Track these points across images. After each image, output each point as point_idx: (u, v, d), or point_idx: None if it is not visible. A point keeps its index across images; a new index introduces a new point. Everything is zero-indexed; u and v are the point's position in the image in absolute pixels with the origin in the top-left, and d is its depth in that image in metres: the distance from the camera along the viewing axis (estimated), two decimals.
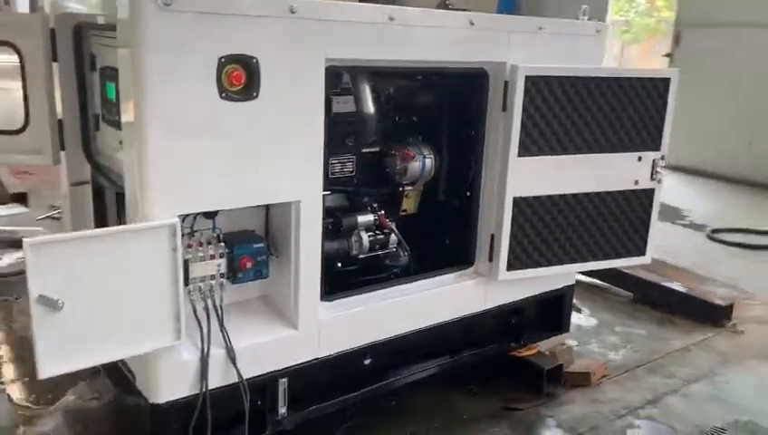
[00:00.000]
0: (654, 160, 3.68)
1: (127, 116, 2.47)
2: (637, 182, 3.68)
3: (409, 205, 3.59)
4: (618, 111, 3.53)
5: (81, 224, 3.29)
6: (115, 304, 2.36)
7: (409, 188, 3.53)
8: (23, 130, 3.14)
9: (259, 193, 2.68)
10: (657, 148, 3.68)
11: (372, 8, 2.79)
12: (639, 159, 3.65)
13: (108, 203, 3.32)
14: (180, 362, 2.60)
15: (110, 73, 2.87)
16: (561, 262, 3.62)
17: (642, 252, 3.84)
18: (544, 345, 3.96)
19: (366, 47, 2.81)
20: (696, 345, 4.47)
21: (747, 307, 5.05)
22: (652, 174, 3.70)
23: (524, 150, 3.32)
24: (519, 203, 3.39)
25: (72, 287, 2.24)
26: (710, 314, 4.81)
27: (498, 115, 3.32)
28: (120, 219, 3.32)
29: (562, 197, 3.49)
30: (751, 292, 5.34)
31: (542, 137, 3.34)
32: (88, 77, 3.10)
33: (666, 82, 3.61)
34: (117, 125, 2.86)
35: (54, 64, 3.08)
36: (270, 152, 2.64)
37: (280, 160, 2.68)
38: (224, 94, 2.47)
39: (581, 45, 3.57)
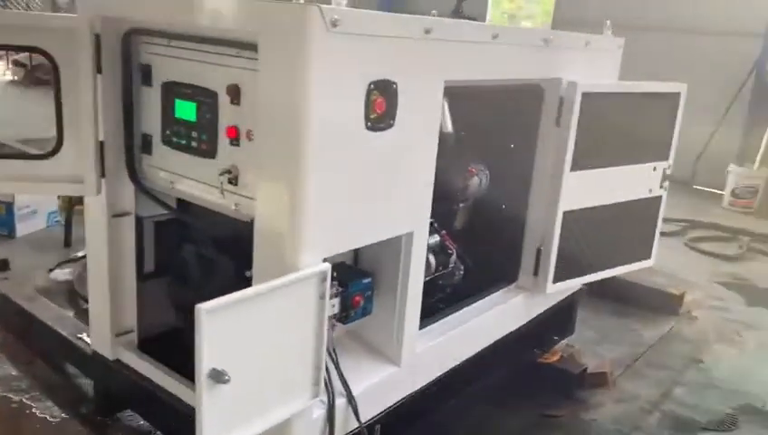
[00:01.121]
0: (664, 169, 3.91)
1: (267, 146, 2.14)
2: (650, 190, 3.89)
3: (459, 222, 3.50)
4: (642, 123, 3.71)
5: (120, 261, 2.82)
6: (267, 366, 2.08)
7: (462, 205, 3.44)
8: (54, 153, 2.61)
9: (387, 227, 2.49)
10: (666, 157, 3.91)
11: (479, 26, 2.67)
12: (654, 168, 3.86)
13: (146, 235, 2.89)
14: (311, 420, 2.35)
15: (186, 91, 2.48)
16: (592, 271, 3.74)
17: (648, 256, 4.07)
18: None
19: (473, 67, 2.68)
20: (667, 335, 4.84)
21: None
22: (661, 182, 3.94)
23: (575, 165, 3.37)
24: (566, 216, 3.44)
25: (235, 353, 1.94)
26: (666, 303, 5.23)
27: (550, 130, 3.33)
28: (160, 251, 2.93)
29: (598, 208, 3.60)
30: (679, 277, 5.87)
31: (590, 151, 3.41)
32: (136, 92, 2.65)
33: (677, 95, 3.83)
34: (194, 151, 2.50)
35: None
36: (398, 183, 2.46)
37: (405, 191, 2.50)
38: (369, 124, 2.24)
39: (606, 59, 3.69)
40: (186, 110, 2.50)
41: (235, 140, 2.35)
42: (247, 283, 2.57)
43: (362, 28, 2.10)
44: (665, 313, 5.18)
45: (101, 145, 2.64)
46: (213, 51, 2.35)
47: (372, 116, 2.24)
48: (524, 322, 3.60)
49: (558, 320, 4.05)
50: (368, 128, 2.24)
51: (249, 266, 2.57)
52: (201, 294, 2.79)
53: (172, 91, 2.54)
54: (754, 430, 3.72)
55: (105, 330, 2.90)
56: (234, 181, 2.39)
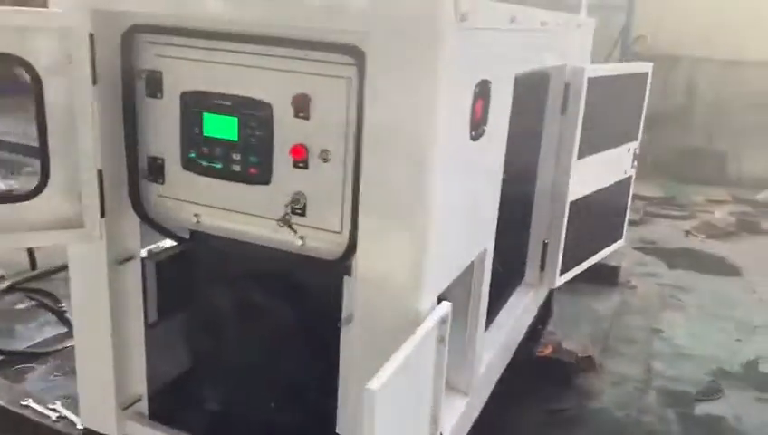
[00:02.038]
0: (634, 150, 3.92)
1: (372, 170, 1.75)
2: (625, 171, 3.89)
3: None
4: (622, 105, 3.67)
5: (123, 316, 2.26)
6: (400, 431, 1.72)
7: None
8: (38, 191, 2.00)
9: (475, 246, 2.18)
10: (636, 138, 3.92)
11: (530, 12, 2.40)
12: (629, 149, 3.85)
13: (149, 278, 2.34)
14: None
15: (221, 103, 1.99)
16: (586, 258, 3.68)
17: (620, 236, 4.09)
18: None
19: (532, 57, 2.45)
20: (620, 308, 4.95)
21: None
22: (632, 162, 3.95)
23: (580, 152, 3.25)
24: (571, 206, 3.33)
25: (389, 428, 1.57)
26: (605, 275, 5.35)
27: (555, 119, 3.18)
28: (165, 297, 2.41)
29: (593, 194, 3.52)
30: None
31: (589, 138, 3.30)
32: (139, 105, 2.10)
33: (646, 75, 3.84)
34: (235, 176, 2.02)
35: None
36: (484, 196, 2.16)
37: (487, 204, 2.21)
38: (472, 133, 1.92)
39: (585, 41, 3.59)
40: (221, 126, 2.01)
41: (301, 162, 1.92)
42: (313, 329, 2.19)
43: (481, 21, 1.77)
44: (606, 284, 5.29)
45: (100, 175, 2.06)
46: (268, 53, 1.89)
47: (474, 123, 1.93)
48: (534, 317, 3.47)
49: (543, 309, 3.97)
50: (471, 138, 1.92)
51: (312, 310, 2.19)
52: (241, 344, 2.37)
53: (197, 103, 2.03)
54: (737, 393, 3.89)
55: (107, 403, 2.32)
56: (301, 211, 1.96)
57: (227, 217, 2.09)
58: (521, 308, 3.18)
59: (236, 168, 2.02)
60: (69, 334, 4.18)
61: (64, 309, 4.37)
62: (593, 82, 3.19)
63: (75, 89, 1.94)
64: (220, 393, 2.45)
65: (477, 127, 1.96)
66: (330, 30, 1.76)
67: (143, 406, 2.38)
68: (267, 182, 1.99)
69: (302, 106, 1.88)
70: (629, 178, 3.95)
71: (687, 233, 6.82)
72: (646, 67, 3.84)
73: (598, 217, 3.70)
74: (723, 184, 8.51)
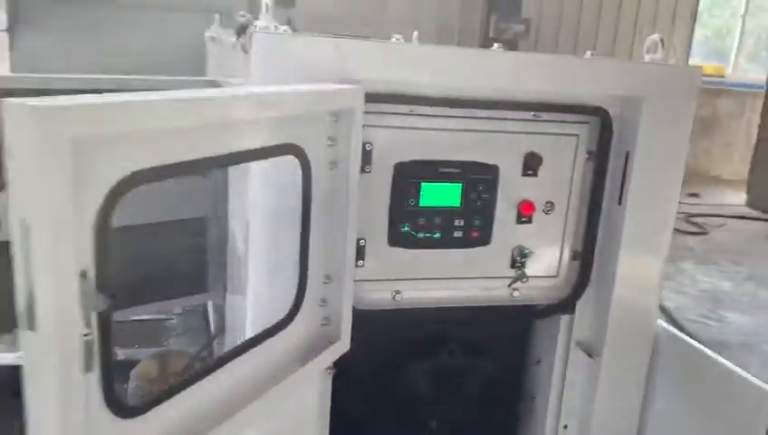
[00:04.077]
0: None
1: (636, 213, 2.00)
2: None
3: None
4: None
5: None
6: None
7: None
8: (294, 312, 1.55)
9: None
10: None
11: None
12: None
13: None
14: None
15: (443, 171, 1.92)
16: None
17: None
18: None
19: None
20: None
21: None
22: None
23: None
24: None
25: None
26: None
27: None
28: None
29: None
30: None
31: None
32: None
33: None
34: (451, 242, 1.99)
35: None
36: None
37: None
38: None
39: None
40: (442, 194, 1.90)
41: (527, 217, 2.01)
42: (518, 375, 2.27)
43: None
44: None
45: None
46: (499, 116, 1.90)
47: None
48: None
49: None
50: None
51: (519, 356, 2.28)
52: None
53: (416, 173, 1.87)
54: None
55: None
56: (522, 265, 2.04)
57: (432, 286, 1.99)
58: None
59: (458, 234, 1.95)
60: None
61: None
62: None
63: (350, 175, 1.60)
64: None
65: None
66: (576, 93, 1.93)
67: None
68: (487, 243, 1.99)
69: (532, 164, 1.97)
70: None
71: None
72: None
73: None
74: None
